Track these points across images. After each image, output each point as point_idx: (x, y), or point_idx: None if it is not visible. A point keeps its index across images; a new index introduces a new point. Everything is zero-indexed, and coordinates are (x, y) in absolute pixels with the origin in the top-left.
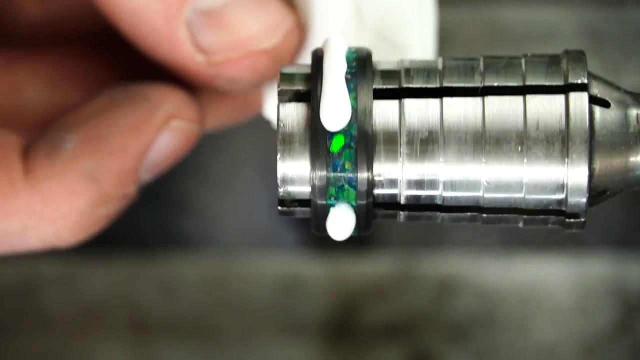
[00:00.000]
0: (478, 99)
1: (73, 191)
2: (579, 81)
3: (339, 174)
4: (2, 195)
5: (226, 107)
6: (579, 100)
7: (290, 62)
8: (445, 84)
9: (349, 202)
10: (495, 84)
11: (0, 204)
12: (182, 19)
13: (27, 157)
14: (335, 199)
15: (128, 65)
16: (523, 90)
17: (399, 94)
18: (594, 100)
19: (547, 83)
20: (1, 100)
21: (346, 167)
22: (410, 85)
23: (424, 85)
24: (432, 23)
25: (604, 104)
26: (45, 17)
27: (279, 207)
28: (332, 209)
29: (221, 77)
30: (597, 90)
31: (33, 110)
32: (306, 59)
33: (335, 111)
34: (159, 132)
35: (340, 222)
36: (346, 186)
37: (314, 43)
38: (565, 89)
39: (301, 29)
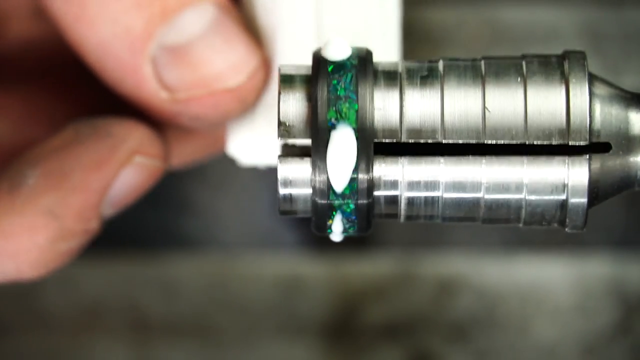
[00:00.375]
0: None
1: (33, 227)
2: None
3: None
4: None
5: (191, 144)
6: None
7: (255, 99)
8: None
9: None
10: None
11: None
12: (147, 54)
13: None
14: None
15: (96, 99)
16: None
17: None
18: (594, 96)
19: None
20: None
21: None
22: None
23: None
24: (396, 30)
25: (604, 101)
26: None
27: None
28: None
29: (184, 114)
30: (597, 90)
31: (0, 144)
32: (273, 88)
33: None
34: (122, 168)
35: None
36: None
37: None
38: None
39: (267, 66)
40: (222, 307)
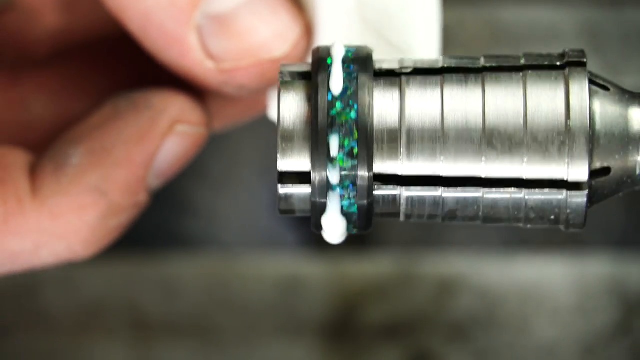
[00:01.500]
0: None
1: (82, 206)
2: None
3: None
4: (12, 215)
5: (232, 109)
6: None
7: None
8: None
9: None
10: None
11: (11, 224)
12: (192, 23)
13: (34, 175)
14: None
15: (134, 71)
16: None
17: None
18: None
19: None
20: (8, 116)
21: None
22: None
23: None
24: (436, 26)
25: (604, 101)
26: (61, 26)
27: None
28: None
29: (230, 84)
30: (597, 90)
31: (40, 123)
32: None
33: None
34: (165, 139)
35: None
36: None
37: (318, 43)
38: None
39: (309, 34)
40: (222, 307)
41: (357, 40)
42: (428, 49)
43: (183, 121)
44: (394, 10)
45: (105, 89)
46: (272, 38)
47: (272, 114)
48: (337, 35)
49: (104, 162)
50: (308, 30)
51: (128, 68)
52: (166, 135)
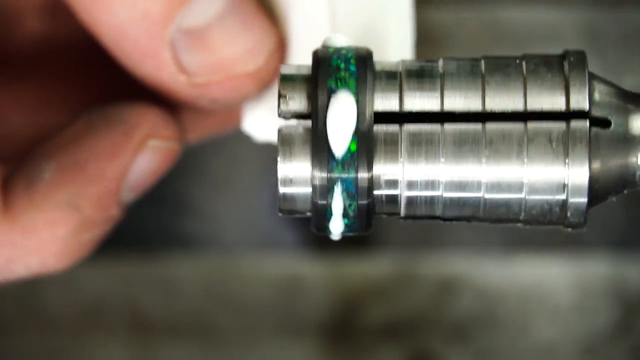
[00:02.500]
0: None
1: (54, 221)
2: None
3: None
4: None
5: (207, 122)
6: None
7: (272, 80)
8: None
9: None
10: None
11: None
12: (166, 38)
13: (6, 190)
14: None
15: (112, 86)
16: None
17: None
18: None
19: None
20: None
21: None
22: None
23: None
24: (409, 31)
25: (604, 101)
26: (41, 33)
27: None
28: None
29: (204, 98)
30: (597, 90)
31: (17, 136)
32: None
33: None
34: (137, 154)
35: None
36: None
37: (291, 56)
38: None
39: (283, 47)
40: (222, 307)
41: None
42: (401, 54)
43: (156, 136)
44: (367, 19)
45: (82, 104)
46: (246, 52)
47: (247, 127)
48: (311, 46)
49: (76, 178)
50: (281, 42)
51: (106, 82)
52: (139, 150)
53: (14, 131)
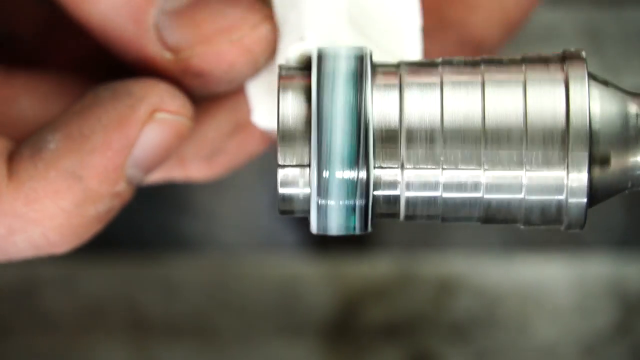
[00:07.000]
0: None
1: (57, 191)
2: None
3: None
4: None
5: (233, 145)
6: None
7: (264, 53)
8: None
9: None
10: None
11: None
12: (150, 21)
13: (11, 160)
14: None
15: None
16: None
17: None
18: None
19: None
20: None
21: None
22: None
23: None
24: (418, 29)
25: (604, 101)
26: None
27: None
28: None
29: (190, 72)
30: (597, 90)
31: (26, 120)
32: (284, 54)
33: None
34: (144, 126)
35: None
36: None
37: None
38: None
39: (272, 20)
40: (222, 307)
41: (345, 42)
42: (412, 52)
43: (163, 109)
44: (379, 14)
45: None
46: (229, 24)
47: (256, 118)
48: (325, 37)
49: (81, 148)
50: (269, 16)
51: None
52: (145, 122)
53: (23, 113)
